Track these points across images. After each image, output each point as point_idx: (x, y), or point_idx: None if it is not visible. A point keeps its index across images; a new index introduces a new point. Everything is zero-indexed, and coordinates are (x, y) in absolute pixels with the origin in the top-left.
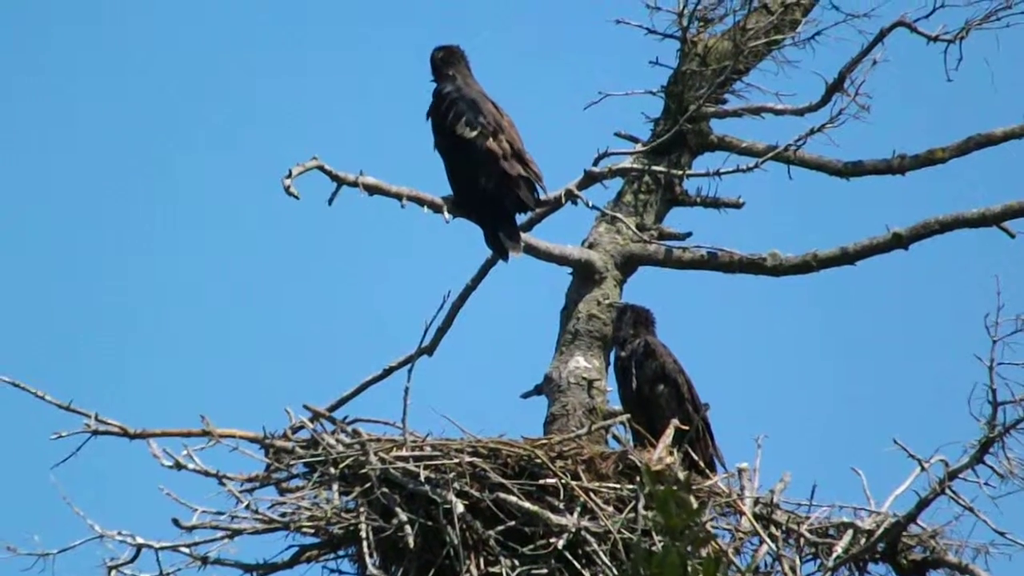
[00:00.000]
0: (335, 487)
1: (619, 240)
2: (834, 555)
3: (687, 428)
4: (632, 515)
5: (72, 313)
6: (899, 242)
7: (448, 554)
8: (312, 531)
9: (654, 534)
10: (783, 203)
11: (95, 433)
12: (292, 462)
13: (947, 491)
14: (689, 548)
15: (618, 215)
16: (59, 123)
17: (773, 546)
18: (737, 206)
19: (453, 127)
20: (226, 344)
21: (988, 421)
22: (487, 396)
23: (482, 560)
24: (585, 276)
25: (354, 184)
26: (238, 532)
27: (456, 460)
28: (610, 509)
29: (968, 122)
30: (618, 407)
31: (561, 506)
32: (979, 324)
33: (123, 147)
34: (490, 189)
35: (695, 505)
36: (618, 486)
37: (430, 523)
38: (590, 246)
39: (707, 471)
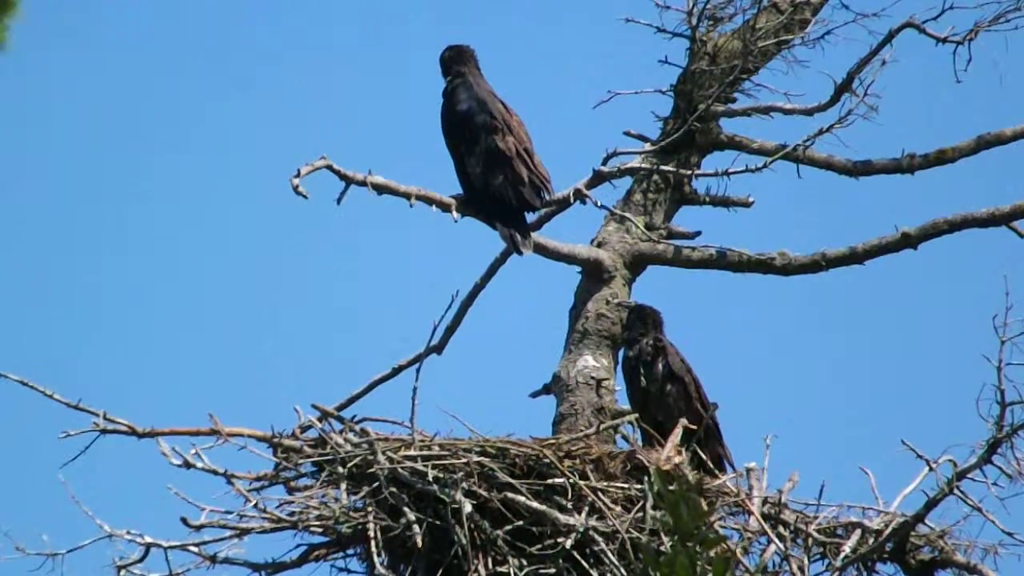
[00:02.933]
0: (343, 486)
1: (628, 239)
2: (842, 555)
3: (695, 428)
4: (640, 515)
5: (80, 311)
6: (908, 242)
7: (456, 553)
8: (320, 530)
9: (662, 534)
10: (792, 202)
11: (104, 432)
12: (300, 461)
13: (955, 491)
14: (699, 549)
15: (627, 214)
16: (66, 120)
17: (781, 546)
18: (746, 205)
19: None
20: (235, 342)
21: (996, 421)
22: (495, 395)
23: (490, 560)
24: (594, 275)
25: (363, 183)
26: (246, 531)
27: (464, 459)
28: (618, 509)
29: (977, 122)
30: (627, 406)
31: (569, 506)
32: (988, 324)
33: (131, 144)
34: (499, 188)
35: (705, 507)
36: (626, 486)
37: (438, 522)
38: (599, 245)
39: (715, 471)
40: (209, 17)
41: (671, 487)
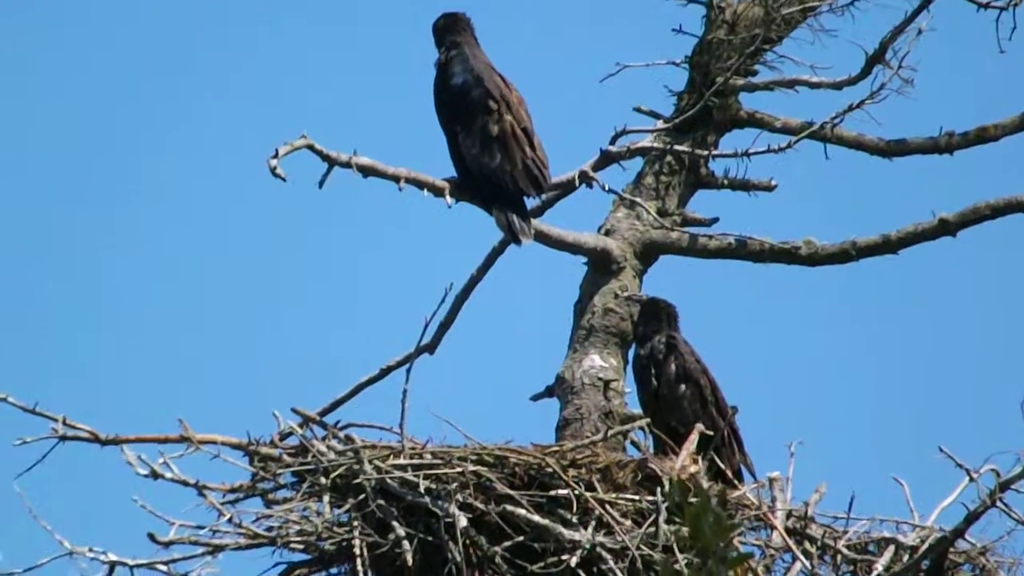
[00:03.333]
0: (326, 498)
1: (639, 226)
2: (874, 573)
3: (712, 434)
4: (652, 529)
5: (39, 310)
6: (946, 228)
7: (450, 572)
8: (301, 547)
9: (677, 550)
10: (819, 186)
11: (63, 439)
12: (279, 471)
13: (998, 503)
14: (721, 568)
15: (637, 199)
16: (22, 114)
17: (807, 563)
18: (768, 189)
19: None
20: (207, 341)
21: None
22: (493, 398)
23: None
24: (601, 266)
25: (347, 165)
26: (220, 548)
27: (459, 469)
28: (628, 523)
29: (1022, 97)
30: (637, 410)
31: (574, 519)
32: None
33: (110, 145)
34: (499, 170)
35: (730, 522)
36: (637, 497)
37: (430, 538)
38: (607, 233)
39: (735, 481)
40: (186, 7)
41: (691, 499)
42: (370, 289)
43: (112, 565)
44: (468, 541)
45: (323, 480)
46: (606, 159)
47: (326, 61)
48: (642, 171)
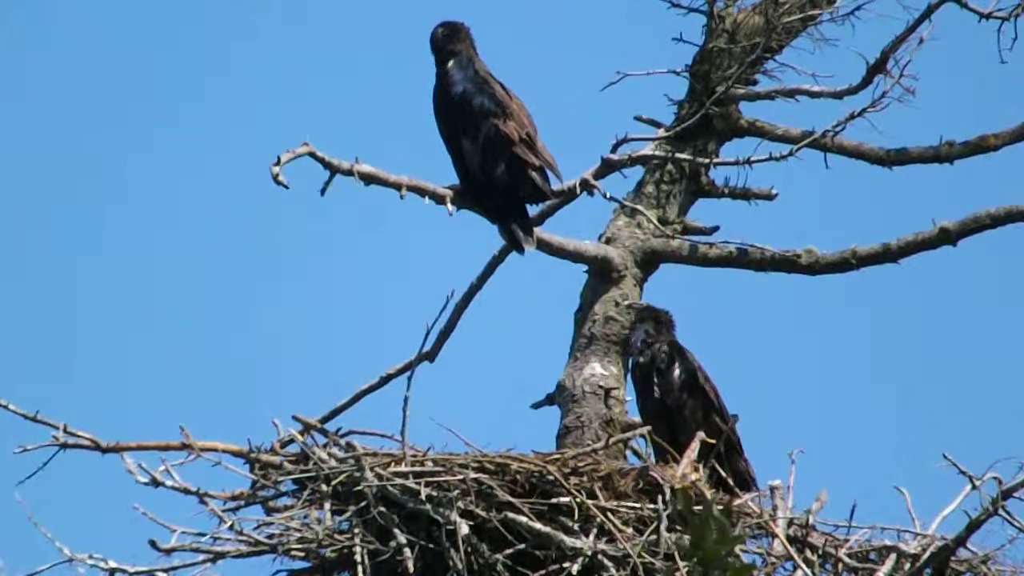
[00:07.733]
0: (327, 506)
1: (639, 235)
2: None
3: (714, 442)
4: (654, 537)
5: (40, 317)
6: (947, 238)
7: None
8: (302, 554)
9: (678, 558)
10: (820, 195)
11: (64, 446)
12: (280, 478)
13: (1001, 511)
14: None
15: (638, 207)
16: (19, 116)
17: (809, 571)
18: (769, 198)
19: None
20: (208, 349)
21: None
22: (494, 406)
23: None
24: (602, 274)
25: (349, 172)
26: (221, 555)
27: (460, 476)
28: (629, 531)
29: (1023, 106)
30: (638, 418)
31: (575, 527)
32: None
33: (103, 146)
34: (503, 177)
35: (736, 531)
36: (638, 505)
37: (431, 546)
38: (607, 241)
39: (736, 489)
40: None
41: (695, 508)
42: (371, 297)
43: (112, 572)
44: (469, 549)
45: (324, 487)
46: (607, 167)
47: (325, 66)
48: (643, 179)
